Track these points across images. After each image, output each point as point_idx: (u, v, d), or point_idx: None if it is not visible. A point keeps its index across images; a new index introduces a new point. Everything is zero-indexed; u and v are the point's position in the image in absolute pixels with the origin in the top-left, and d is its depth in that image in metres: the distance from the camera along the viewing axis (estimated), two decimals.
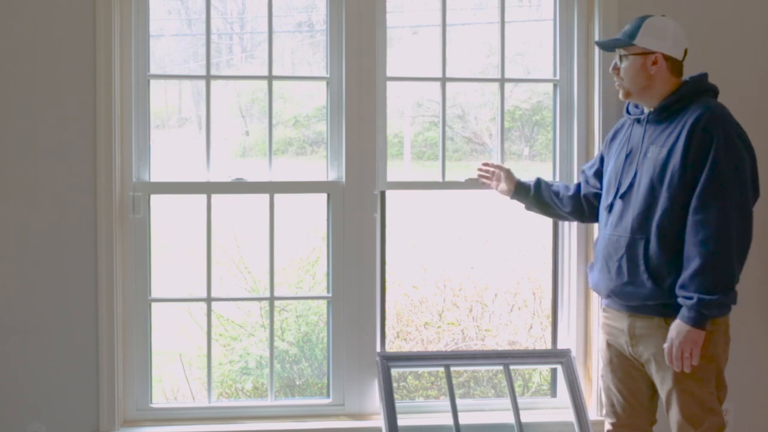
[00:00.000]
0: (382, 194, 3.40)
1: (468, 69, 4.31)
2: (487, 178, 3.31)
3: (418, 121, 4.81)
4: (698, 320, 2.60)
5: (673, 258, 2.71)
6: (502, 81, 3.46)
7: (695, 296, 2.60)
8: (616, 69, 2.87)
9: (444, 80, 3.41)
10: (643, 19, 2.82)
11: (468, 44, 4.43)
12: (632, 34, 2.80)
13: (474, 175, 3.38)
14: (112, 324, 3.22)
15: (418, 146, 4.84)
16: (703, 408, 2.71)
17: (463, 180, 3.43)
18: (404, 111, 4.75)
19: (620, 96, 2.90)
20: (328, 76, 3.37)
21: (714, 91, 2.82)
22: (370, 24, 3.32)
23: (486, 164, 3.33)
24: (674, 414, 2.75)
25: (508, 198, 3.27)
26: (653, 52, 2.78)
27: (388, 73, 3.39)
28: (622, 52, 2.84)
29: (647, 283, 2.74)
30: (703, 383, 2.71)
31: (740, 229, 2.65)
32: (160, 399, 4.03)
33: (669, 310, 2.73)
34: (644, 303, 2.77)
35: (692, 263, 2.63)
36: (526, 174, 3.30)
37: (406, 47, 4.44)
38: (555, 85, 3.50)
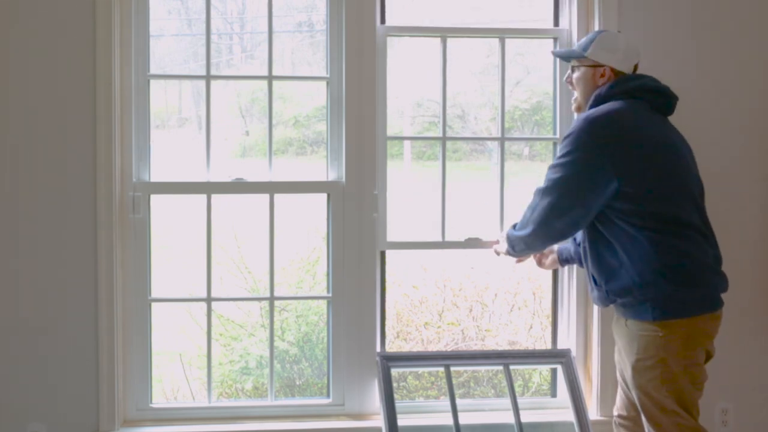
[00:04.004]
0: (382, 195, 3.40)
1: (468, 69, 4.31)
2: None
3: (418, 121, 4.80)
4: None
5: (597, 261, 2.79)
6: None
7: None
8: (569, 80, 2.96)
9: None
10: (598, 33, 2.91)
11: (468, 44, 4.43)
12: (585, 47, 2.89)
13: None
14: (112, 324, 3.22)
15: (418, 146, 4.84)
16: (662, 410, 2.70)
17: (463, 240, 3.48)
18: (404, 111, 4.75)
19: (573, 108, 3.01)
20: (328, 76, 3.37)
21: (622, 92, 2.79)
22: (370, 24, 3.32)
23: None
24: (641, 414, 2.78)
25: (560, 267, 3.36)
26: (602, 65, 2.85)
27: (388, 72, 3.39)
28: (575, 63, 2.92)
29: (593, 286, 2.85)
30: (656, 385, 2.69)
31: (546, 213, 2.79)
32: (160, 399, 4.03)
33: (624, 310, 2.79)
34: (606, 305, 2.86)
35: None
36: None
37: (406, 47, 4.44)
38: (555, 85, 3.50)
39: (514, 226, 3.02)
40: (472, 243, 3.47)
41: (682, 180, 2.74)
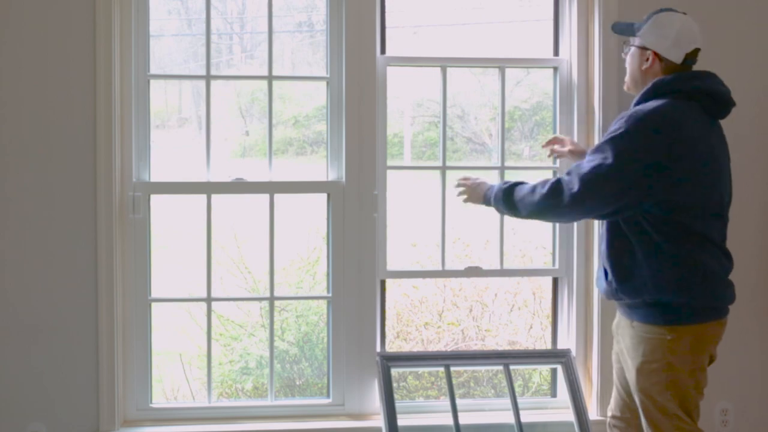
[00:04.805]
0: (382, 195, 3.40)
1: (468, 69, 4.31)
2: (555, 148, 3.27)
3: (418, 121, 4.80)
4: None
5: (613, 258, 2.72)
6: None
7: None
8: (625, 56, 2.84)
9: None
10: (659, 11, 2.74)
11: (468, 44, 4.44)
12: (640, 26, 2.75)
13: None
14: (112, 324, 3.22)
15: (418, 146, 4.84)
16: (664, 413, 2.67)
17: (462, 269, 3.54)
18: (404, 111, 4.74)
19: (624, 86, 2.88)
20: (328, 76, 3.37)
21: (681, 92, 2.64)
22: (370, 24, 3.32)
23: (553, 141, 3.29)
24: (641, 416, 2.75)
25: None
26: (648, 49, 2.72)
27: (389, 74, 3.39)
28: (629, 41, 2.81)
29: (603, 277, 2.79)
30: (660, 389, 2.66)
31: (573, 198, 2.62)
32: (160, 399, 4.03)
33: (630, 311, 2.74)
34: (609, 299, 2.81)
35: None
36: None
37: (406, 47, 4.43)
38: (555, 85, 3.50)
39: (517, 186, 2.81)
40: (472, 272, 3.49)
41: (718, 197, 2.67)
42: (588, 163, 2.62)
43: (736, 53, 3.44)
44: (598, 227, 3.24)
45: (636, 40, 2.76)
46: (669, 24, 2.69)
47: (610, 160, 2.56)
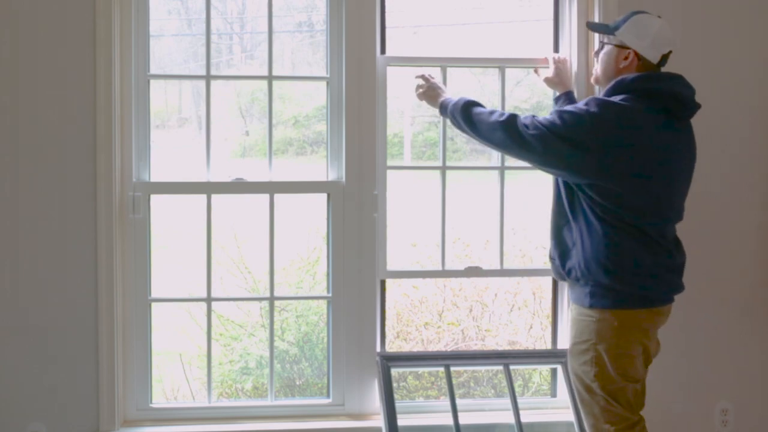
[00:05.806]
0: (382, 195, 3.40)
1: (468, 69, 4.31)
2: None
3: (418, 121, 4.81)
4: None
5: (556, 234, 2.89)
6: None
7: None
8: (597, 53, 2.96)
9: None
10: (633, 13, 2.86)
11: (468, 44, 4.44)
12: (618, 25, 2.86)
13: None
14: (112, 324, 3.22)
15: (418, 146, 4.85)
16: (591, 394, 2.79)
17: (462, 269, 3.54)
18: (404, 111, 4.75)
19: (591, 79, 3.03)
20: (328, 76, 3.37)
21: (639, 91, 2.74)
22: (370, 24, 3.32)
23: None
24: (575, 396, 2.90)
25: (554, 90, 3.37)
26: (628, 48, 2.82)
27: (389, 74, 3.39)
28: (605, 39, 2.91)
29: (550, 257, 2.96)
30: (586, 369, 2.78)
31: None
32: (160, 399, 4.03)
33: (571, 293, 2.90)
34: (557, 279, 3.00)
35: None
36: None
37: (406, 47, 4.44)
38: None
39: (477, 104, 2.98)
40: (472, 272, 3.50)
41: (662, 202, 2.75)
42: (546, 118, 2.76)
43: (739, 54, 3.44)
44: None
45: (614, 39, 2.86)
46: (647, 26, 2.82)
47: (562, 129, 2.70)
